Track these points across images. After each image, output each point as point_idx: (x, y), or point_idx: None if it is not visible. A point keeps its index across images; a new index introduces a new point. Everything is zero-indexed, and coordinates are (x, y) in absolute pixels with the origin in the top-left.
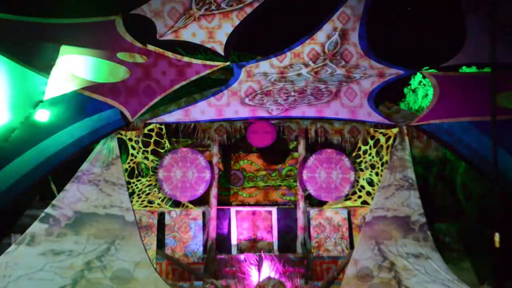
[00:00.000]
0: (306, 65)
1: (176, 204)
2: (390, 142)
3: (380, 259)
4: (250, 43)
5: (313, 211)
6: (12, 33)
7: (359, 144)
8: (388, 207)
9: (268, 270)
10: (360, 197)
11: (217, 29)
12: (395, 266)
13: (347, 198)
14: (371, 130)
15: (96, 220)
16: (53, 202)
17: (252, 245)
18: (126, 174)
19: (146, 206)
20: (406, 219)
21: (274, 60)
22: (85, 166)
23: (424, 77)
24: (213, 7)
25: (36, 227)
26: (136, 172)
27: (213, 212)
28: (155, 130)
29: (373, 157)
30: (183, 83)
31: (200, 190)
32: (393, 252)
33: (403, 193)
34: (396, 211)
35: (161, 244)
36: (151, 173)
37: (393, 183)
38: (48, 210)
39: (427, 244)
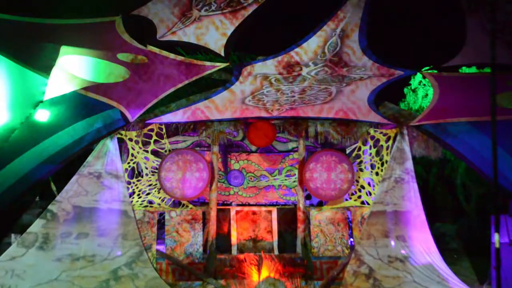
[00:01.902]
0: (306, 66)
1: (176, 204)
2: (390, 142)
3: (355, 264)
4: (250, 44)
5: (313, 211)
6: (12, 34)
7: (359, 144)
8: (388, 201)
9: (268, 270)
10: (360, 197)
11: (217, 29)
12: (374, 273)
13: (347, 198)
14: (371, 130)
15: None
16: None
17: (252, 245)
18: (126, 174)
19: (146, 206)
20: (408, 214)
21: (274, 61)
22: (85, 165)
23: (424, 77)
24: (213, 7)
25: (39, 225)
26: (136, 172)
27: (213, 212)
28: (155, 130)
29: (373, 157)
30: (183, 83)
31: (200, 190)
32: (372, 254)
33: (404, 187)
34: (396, 205)
35: (161, 244)
36: (151, 173)
37: (393, 175)
38: (50, 206)
39: (427, 243)
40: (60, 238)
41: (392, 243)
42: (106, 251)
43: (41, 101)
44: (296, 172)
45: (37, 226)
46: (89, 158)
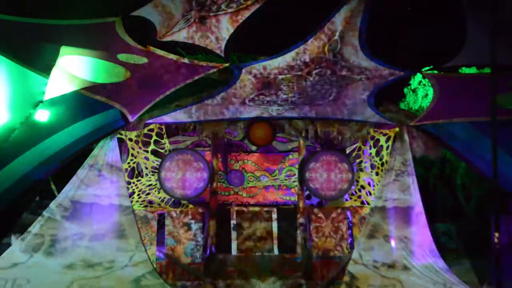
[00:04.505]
0: (307, 66)
1: (176, 204)
2: (390, 142)
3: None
4: (250, 44)
5: (313, 211)
6: (12, 34)
7: (359, 144)
8: (387, 197)
9: (268, 270)
10: (360, 197)
11: (217, 30)
12: (356, 281)
13: (347, 198)
14: (371, 130)
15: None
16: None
17: (252, 245)
18: (126, 174)
19: (146, 206)
20: (408, 211)
21: (274, 61)
22: (85, 165)
23: (424, 77)
24: (213, 8)
25: (43, 225)
26: (136, 172)
27: (213, 212)
28: (155, 130)
29: (373, 157)
30: (183, 83)
31: (200, 190)
32: (354, 259)
33: (404, 184)
34: (396, 201)
35: (161, 244)
36: (151, 173)
37: (393, 173)
38: (51, 205)
39: (426, 242)
40: (71, 241)
41: (392, 243)
42: (126, 256)
43: (41, 101)
44: (296, 172)
45: (40, 226)
46: (89, 158)
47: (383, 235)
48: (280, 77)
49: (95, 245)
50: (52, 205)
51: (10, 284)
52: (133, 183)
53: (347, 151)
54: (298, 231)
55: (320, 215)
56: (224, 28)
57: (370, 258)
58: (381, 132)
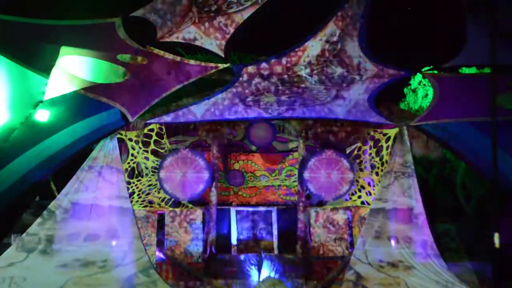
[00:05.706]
0: (307, 66)
1: (176, 204)
2: (390, 142)
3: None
4: (250, 44)
5: (313, 211)
6: (13, 34)
7: (359, 144)
8: (387, 198)
9: (268, 270)
10: (360, 197)
11: (217, 30)
12: (362, 279)
13: (347, 198)
14: (371, 130)
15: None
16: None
17: (252, 245)
18: (126, 174)
19: (146, 206)
20: (408, 212)
21: (274, 61)
22: (85, 166)
23: (424, 77)
24: (213, 9)
25: (40, 225)
26: (136, 172)
27: (213, 212)
28: (155, 130)
29: (373, 157)
30: (183, 83)
31: (200, 190)
32: (360, 258)
33: (404, 184)
34: (396, 202)
35: (161, 244)
36: (151, 173)
37: (393, 169)
38: (50, 205)
39: (426, 242)
40: (66, 241)
41: (393, 242)
42: (119, 255)
43: (41, 101)
44: (296, 172)
45: (38, 226)
46: (89, 159)
47: (387, 235)
48: (280, 77)
49: (90, 245)
50: (51, 206)
51: (7, 283)
52: (133, 183)
53: (347, 151)
54: (298, 231)
55: (320, 215)
56: (224, 28)
57: (375, 257)
58: (381, 132)
